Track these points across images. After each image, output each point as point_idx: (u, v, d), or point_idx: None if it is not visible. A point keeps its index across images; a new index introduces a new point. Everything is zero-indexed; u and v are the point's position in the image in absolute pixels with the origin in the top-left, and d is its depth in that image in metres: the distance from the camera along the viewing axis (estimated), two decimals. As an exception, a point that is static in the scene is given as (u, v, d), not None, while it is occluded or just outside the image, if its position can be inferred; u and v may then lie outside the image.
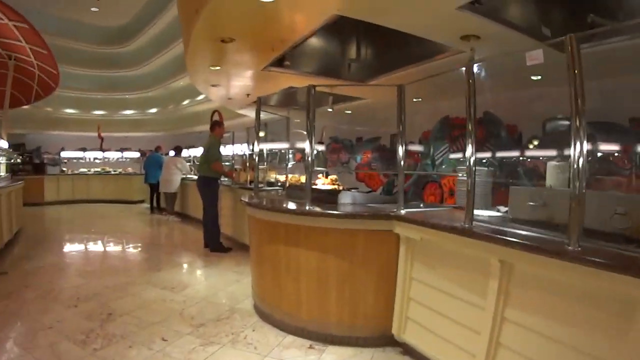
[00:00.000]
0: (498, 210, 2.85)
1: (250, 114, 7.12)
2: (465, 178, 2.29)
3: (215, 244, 5.45)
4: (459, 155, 3.69)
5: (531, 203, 2.13)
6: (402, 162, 2.76)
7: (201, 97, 10.43)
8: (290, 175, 3.90)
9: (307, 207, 2.86)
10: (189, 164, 9.25)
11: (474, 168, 2.14)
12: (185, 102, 12.23)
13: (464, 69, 2.19)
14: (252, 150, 4.87)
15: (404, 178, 3.01)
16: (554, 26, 2.70)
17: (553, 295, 1.78)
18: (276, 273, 3.05)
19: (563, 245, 1.70)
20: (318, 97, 2.98)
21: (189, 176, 8.54)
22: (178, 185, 8.43)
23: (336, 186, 3.55)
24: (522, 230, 2.06)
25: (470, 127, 2.15)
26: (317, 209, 2.83)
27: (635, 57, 2.47)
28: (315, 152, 3.01)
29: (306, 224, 2.84)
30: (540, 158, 3.10)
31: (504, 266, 1.93)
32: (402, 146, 2.72)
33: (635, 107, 2.58)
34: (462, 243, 2.13)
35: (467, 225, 2.12)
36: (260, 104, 3.57)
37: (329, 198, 3.21)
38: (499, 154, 3.24)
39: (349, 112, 6.00)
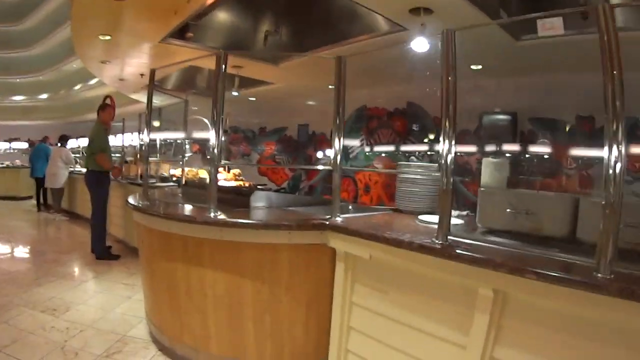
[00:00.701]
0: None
1: (145, 99, 6.09)
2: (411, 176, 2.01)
3: (101, 251, 4.65)
4: (380, 148, 3.35)
5: (510, 210, 1.81)
6: (338, 157, 2.19)
7: (94, 81, 9.47)
8: (187, 169, 3.30)
9: (211, 214, 2.18)
10: (77, 155, 8.20)
11: (449, 166, 1.68)
12: (78, 86, 11.12)
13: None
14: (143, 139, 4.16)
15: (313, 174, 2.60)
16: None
17: (563, 332, 1.39)
18: (174, 299, 2.38)
19: (590, 271, 1.30)
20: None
21: (77, 169, 7.52)
22: (65, 179, 7.36)
23: (241, 182, 2.97)
24: (507, 245, 1.66)
25: (448, 112, 1.85)
26: (225, 218, 2.17)
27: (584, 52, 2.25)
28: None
29: (212, 237, 2.18)
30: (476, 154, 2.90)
31: (497, 296, 1.50)
32: (337, 137, 2.17)
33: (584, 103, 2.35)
34: (438, 266, 1.64)
35: (443, 243, 1.63)
36: (153, 77, 2.83)
37: (238, 200, 2.58)
38: (424, 148, 2.94)
39: (253, 99, 5.44)
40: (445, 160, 1.69)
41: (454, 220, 2.22)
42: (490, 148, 2.54)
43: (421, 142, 3.00)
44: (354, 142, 3.35)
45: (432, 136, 3.07)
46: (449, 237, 1.67)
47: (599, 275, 1.28)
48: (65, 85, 11.98)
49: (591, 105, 2.30)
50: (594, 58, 2.36)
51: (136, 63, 4.55)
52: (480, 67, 2.75)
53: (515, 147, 2.46)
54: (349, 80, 2.23)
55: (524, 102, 2.52)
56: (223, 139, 2.28)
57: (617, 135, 1.38)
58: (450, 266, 1.59)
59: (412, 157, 2.89)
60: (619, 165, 1.35)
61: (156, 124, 3.45)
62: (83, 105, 11.11)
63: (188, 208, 2.54)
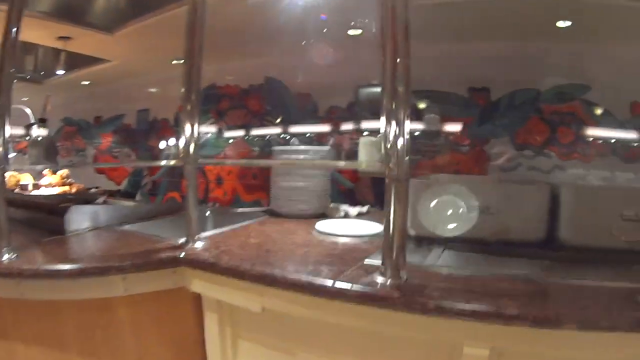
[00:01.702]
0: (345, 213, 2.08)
1: None
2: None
3: None
4: (233, 133, 2.73)
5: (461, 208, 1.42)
6: (191, 147, 1.52)
7: None
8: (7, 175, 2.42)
9: (3, 258, 1.38)
10: None
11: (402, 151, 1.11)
12: None
13: None
14: None
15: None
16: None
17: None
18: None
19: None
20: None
21: None
22: None
23: (67, 188, 2.28)
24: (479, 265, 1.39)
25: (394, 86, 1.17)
26: (22, 265, 1.33)
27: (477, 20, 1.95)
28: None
29: (9, 296, 1.39)
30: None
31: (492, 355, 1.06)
32: (190, 120, 1.52)
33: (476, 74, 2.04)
34: (394, 321, 1.11)
35: (397, 284, 1.11)
36: None
37: (48, 221, 1.79)
38: (292, 130, 2.45)
39: (87, 82, 4.45)
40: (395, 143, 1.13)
41: (365, 227, 1.79)
42: (367, 125, 2.14)
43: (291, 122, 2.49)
44: (202, 128, 2.73)
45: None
46: (402, 270, 1.16)
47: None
48: None
49: (485, 76, 2.01)
50: (484, 26, 2.09)
51: None
52: (360, 31, 2.31)
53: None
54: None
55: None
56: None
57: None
58: (415, 321, 1.09)
59: (294, 140, 2.36)
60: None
61: None
62: None
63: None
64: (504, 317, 0.98)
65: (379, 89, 2.00)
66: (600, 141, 1.99)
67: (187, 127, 1.54)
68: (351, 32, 2.26)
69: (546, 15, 1.98)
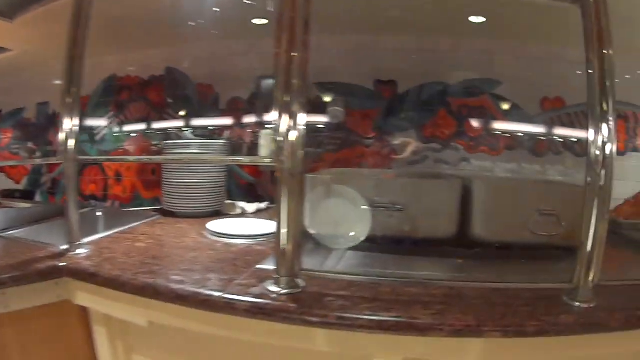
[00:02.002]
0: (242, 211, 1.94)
1: None
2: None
3: None
4: (133, 127, 2.46)
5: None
6: (70, 144, 1.32)
7: None
8: None
9: None
10: None
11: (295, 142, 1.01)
12: None
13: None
14: None
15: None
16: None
17: None
18: None
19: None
20: None
21: None
22: None
23: None
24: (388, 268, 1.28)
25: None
26: None
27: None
28: None
29: None
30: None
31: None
32: (68, 113, 1.31)
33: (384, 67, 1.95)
34: (294, 335, 1.01)
35: (292, 293, 0.99)
36: None
37: None
38: (195, 123, 2.23)
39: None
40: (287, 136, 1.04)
41: (261, 226, 1.64)
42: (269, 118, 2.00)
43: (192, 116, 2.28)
44: (101, 122, 2.48)
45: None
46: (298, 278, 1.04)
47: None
48: None
49: (393, 69, 1.91)
50: (393, 19, 2.00)
51: None
52: (265, 21, 2.16)
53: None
54: (92, 45, 1.42)
55: (311, 62, 2.01)
56: None
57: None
58: (317, 334, 0.98)
59: (187, 133, 2.17)
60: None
61: None
62: None
63: None
64: (418, 327, 0.88)
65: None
66: (509, 135, 1.94)
67: (67, 122, 1.34)
68: (256, 21, 2.11)
69: (459, 11, 1.91)
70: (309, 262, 1.16)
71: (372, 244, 1.32)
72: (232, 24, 2.14)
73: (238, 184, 2.21)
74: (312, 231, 1.32)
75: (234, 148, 2.09)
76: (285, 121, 1.02)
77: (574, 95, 2.07)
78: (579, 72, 2.11)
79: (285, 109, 1.03)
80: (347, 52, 1.97)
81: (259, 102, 2.11)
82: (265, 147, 1.92)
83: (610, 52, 0.96)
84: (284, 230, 1.01)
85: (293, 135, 1.01)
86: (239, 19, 2.13)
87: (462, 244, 1.35)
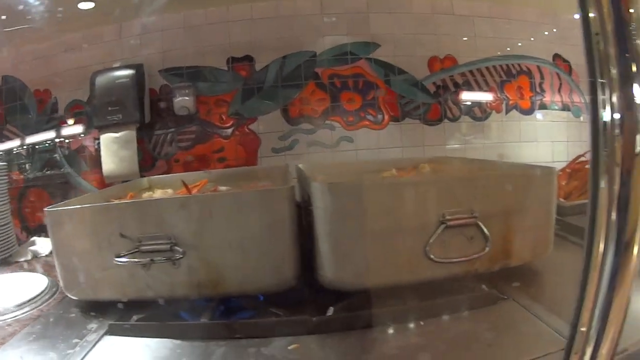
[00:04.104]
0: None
1: None
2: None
3: None
4: None
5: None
6: None
7: None
8: None
9: None
10: None
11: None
12: None
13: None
14: None
15: None
16: None
17: None
18: None
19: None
20: None
21: None
22: None
23: None
24: None
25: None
26: None
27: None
28: None
29: None
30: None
31: None
32: None
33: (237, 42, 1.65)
34: None
35: None
36: None
37: None
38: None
39: None
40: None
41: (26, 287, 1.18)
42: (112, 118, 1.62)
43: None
44: None
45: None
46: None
47: None
48: None
49: (247, 42, 1.60)
50: None
51: None
52: (92, 5, 1.82)
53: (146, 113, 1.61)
54: None
55: (153, 47, 1.68)
56: None
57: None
58: None
59: None
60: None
61: None
62: None
63: None
64: None
65: (118, 72, 1.49)
66: (394, 104, 1.67)
67: None
68: (82, 5, 1.76)
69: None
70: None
71: (160, 314, 0.90)
72: (59, 14, 1.79)
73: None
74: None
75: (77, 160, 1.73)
76: None
77: (467, 52, 1.84)
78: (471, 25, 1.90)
79: None
80: (192, 29, 1.65)
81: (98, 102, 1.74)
82: (107, 154, 1.59)
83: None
84: None
85: None
86: (60, 6, 1.78)
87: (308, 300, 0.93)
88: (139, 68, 1.61)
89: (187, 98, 1.56)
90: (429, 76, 1.72)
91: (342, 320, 0.84)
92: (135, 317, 0.91)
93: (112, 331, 0.87)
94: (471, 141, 1.75)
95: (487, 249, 0.90)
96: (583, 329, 0.48)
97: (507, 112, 1.83)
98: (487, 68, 1.82)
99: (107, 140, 1.56)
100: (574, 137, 1.83)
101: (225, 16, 1.65)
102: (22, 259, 1.45)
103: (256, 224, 0.87)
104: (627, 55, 0.43)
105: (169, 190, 1.17)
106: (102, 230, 0.91)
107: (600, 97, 0.46)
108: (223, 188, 1.13)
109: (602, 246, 0.47)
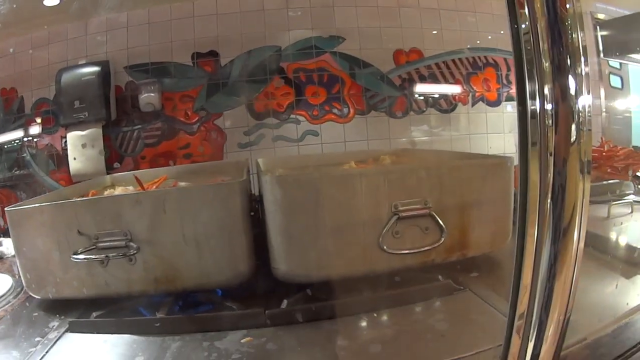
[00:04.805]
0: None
1: None
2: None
3: None
4: None
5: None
6: None
7: None
8: None
9: None
10: None
11: None
12: None
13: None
14: None
15: None
16: None
17: None
18: None
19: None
20: None
21: None
22: None
23: None
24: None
25: None
26: None
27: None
28: None
29: None
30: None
31: None
32: None
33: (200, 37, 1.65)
34: None
35: None
36: None
37: None
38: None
39: None
40: None
41: None
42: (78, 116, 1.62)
43: None
44: None
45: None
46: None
47: None
48: None
49: (211, 37, 1.60)
50: None
51: None
52: (57, 2, 1.80)
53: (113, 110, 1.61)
54: None
55: (118, 43, 1.67)
56: None
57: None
58: None
59: None
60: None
61: None
62: None
63: None
64: None
65: (84, 70, 1.49)
66: (360, 97, 1.68)
67: None
68: (48, 2, 1.75)
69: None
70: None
71: (122, 311, 0.92)
72: (24, 12, 1.77)
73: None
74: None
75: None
76: None
77: (433, 45, 1.85)
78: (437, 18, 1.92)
79: None
80: (157, 25, 1.65)
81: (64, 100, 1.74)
82: (75, 154, 1.59)
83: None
84: None
85: None
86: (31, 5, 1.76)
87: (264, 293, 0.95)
88: (104, 65, 1.61)
89: (152, 94, 1.57)
90: (395, 69, 1.74)
91: (295, 313, 0.86)
92: (94, 314, 0.93)
93: (72, 328, 0.89)
94: (438, 133, 1.77)
95: (442, 240, 0.92)
96: (522, 311, 0.50)
97: (473, 104, 1.85)
98: (453, 60, 1.84)
99: (74, 138, 1.56)
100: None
101: (190, 11, 1.65)
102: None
103: (209, 218, 0.88)
104: (561, 48, 0.45)
105: (130, 188, 1.18)
106: (60, 228, 0.92)
107: (529, 88, 0.46)
108: (182, 184, 1.14)
109: (536, 234, 0.48)
